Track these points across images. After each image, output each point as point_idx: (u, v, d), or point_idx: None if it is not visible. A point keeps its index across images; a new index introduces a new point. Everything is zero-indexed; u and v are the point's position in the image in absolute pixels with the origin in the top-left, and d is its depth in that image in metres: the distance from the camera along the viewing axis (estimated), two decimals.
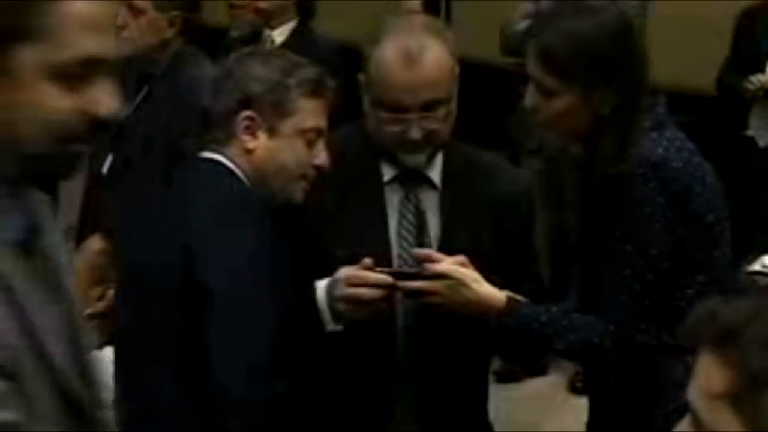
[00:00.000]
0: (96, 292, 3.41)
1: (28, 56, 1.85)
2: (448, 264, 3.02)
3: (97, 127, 1.90)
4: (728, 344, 1.71)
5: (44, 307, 1.95)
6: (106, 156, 4.68)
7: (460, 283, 3.01)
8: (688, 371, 2.87)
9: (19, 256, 1.94)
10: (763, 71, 6.29)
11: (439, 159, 3.17)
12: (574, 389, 5.85)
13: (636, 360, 3.09)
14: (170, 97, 4.58)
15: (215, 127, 2.96)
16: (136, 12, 4.71)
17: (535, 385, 5.81)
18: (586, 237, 3.20)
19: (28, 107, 1.87)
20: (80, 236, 4.80)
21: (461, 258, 3.05)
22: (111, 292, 3.37)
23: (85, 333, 2.09)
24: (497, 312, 3.03)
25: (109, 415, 2.16)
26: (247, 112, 2.91)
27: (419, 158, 3.10)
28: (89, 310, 3.35)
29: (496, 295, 3.04)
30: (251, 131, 2.92)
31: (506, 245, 3.17)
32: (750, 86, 6.24)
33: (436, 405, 3.18)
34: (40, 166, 1.94)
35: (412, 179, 3.15)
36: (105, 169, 4.64)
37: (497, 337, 3.16)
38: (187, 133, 4.20)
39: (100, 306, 3.40)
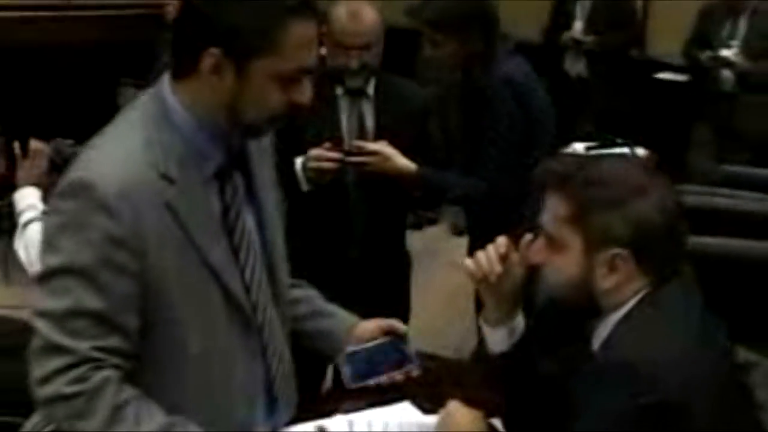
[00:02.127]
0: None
1: (261, 66, 1.71)
2: (377, 144, 3.03)
3: (296, 110, 1.79)
4: (566, 184, 1.73)
5: (210, 225, 1.79)
6: None
7: (385, 157, 3.01)
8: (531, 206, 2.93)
9: (207, 186, 1.80)
10: (569, 29, 6.32)
11: (373, 81, 3.16)
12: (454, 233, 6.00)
13: (498, 202, 3.13)
14: None
15: None
16: None
17: (431, 230, 5.82)
18: (467, 130, 3.23)
19: (254, 100, 1.74)
20: None
21: (383, 142, 3.04)
22: None
23: (274, 238, 1.93)
24: (410, 175, 3.05)
25: (285, 300, 1.98)
26: None
27: (358, 81, 3.08)
28: None
29: (410, 164, 3.04)
30: None
31: (417, 137, 3.18)
32: (564, 39, 6.30)
33: (374, 236, 3.16)
34: (251, 133, 1.83)
35: (356, 95, 3.12)
36: None
37: (410, 194, 3.16)
38: None
39: None
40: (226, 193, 1.84)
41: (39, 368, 1.71)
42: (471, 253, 3.22)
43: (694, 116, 5.86)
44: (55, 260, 1.71)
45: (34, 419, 1.87)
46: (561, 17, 6.40)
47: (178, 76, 1.79)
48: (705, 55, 5.79)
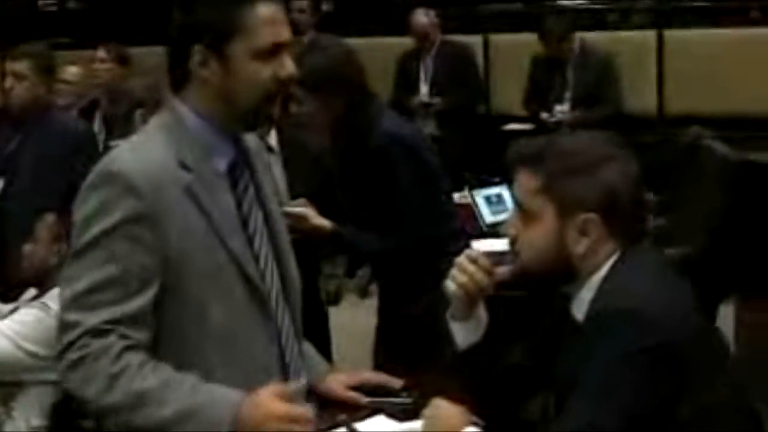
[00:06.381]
0: (56, 247, 3.32)
1: (237, 47, 1.92)
2: (297, 208, 3.12)
3: (282, 85, 1.97)
4: (535, 161, 1.87)
5: (228, 215, 1.97)
6: None
7: (301, 218, 3.10)
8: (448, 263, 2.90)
9: (222, 181, 1.98)
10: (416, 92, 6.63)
11: (274, 132, 3.25)
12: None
13: (406, 254, 3.16)
14: (45, 137, 4.47)
15: None
16: (20, 77, 4.54)
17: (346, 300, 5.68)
18: (358, 192, 3.22)
19: (241, 80, 1.94)
20: None
21: (302, 201, 3.16)
22: (65, 246, 3.31)
23: (280, 232, 2.10)
24: (326, 232, 3.15)
25: (296, 299, 2.12)
26: None
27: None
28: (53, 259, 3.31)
29: (325, 223, 3.16)
30: None
31: (322, 187, 3.29)
32: (412, 102, 6.57)
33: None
34: (251, 119, 2.00)
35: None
36: None
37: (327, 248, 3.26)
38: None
39: (59, 256, 3.32)
40: (238, 188, 2.02)
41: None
42: (383, 305, 3.37)
43: None
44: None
45: None
46: (405, 81, 6.72)
47: (178, 88, 2.01)
48: (543, 115, 6.19)
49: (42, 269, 3.32)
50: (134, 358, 1.86)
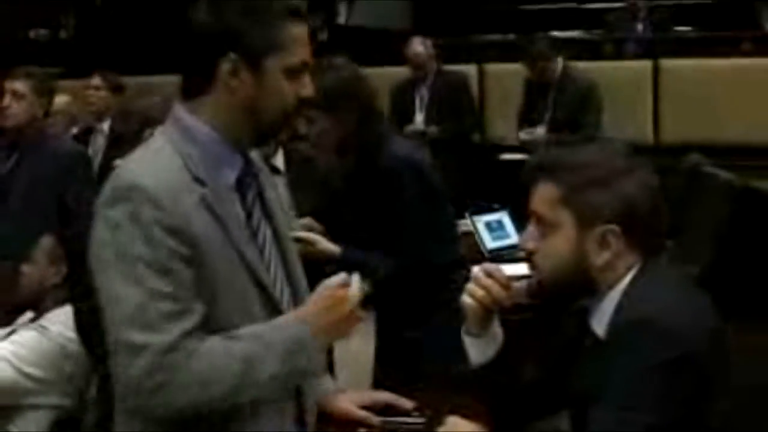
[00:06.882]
0: (53, 269, 3.31)
1: (273, 62, 1.92)
2: (303, 232, 3.05)
3: (301, 104, 1.98)
4: (554, 171, 1.85)
5: (240, 226, 1.94)
6: None
7: (310, 243, 3.05)
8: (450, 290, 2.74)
9: (231, 193, 1.95)
10: (410, 121, 6.68)
11: (280, 153, 3.22)
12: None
13: (410, 279, 3.12)
14: (40, 158, 4.46)
15: None
16: (19, 96, 4.54)
17: None
18: (364, 212, 3.18)
19: (271, 94, 1.93)
20: None
21: (309, 219, 3.12)
22: (63, 268, 3.30)
23: (288, 246, 2.08)
24: (334, 257, 3.09)
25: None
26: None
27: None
28: (51, 281, 3.30)
29: (333, 248, 3.10)
30: None
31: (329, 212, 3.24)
32: (407, 131, 6.56)
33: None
34: (268, 133, 2.01)
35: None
36: None
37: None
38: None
39: (58, 277, 3.30)
40: (247, 200, 2.00)
41: (123, 372, 1.81)
42: (382, 327, 3.33)
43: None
44: (110, 260, 1.82)
45: None
46: (400, 110, 6.72)
47: (192, 96, 1.96)
48: (520, 134, 6.25)
49: (39, 291, 3.29)
50: (203, 346, 1.82)
